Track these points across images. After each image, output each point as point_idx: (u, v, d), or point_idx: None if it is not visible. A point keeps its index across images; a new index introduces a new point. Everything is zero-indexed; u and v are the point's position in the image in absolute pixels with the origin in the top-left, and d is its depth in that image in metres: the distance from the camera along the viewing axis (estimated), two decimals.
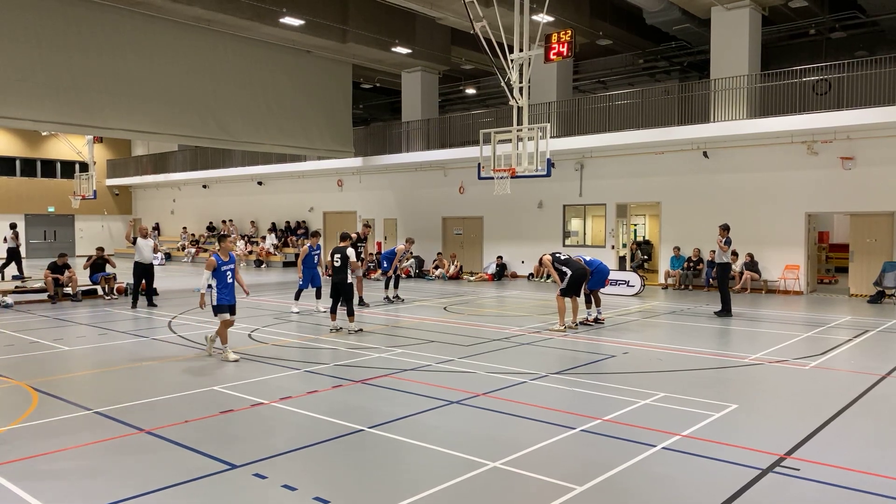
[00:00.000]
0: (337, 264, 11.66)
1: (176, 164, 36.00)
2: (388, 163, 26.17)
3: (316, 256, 14.83)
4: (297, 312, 14.50)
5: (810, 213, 18.62)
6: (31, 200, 37.00)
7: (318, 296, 14.91)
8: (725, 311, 14.06)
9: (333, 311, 11.99)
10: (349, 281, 11.68)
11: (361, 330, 12.04)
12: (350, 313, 11.78)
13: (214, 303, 9.65)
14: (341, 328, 11.92)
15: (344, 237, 12.17)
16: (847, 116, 16.60)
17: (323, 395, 7.74)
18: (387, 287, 16.88)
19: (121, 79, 17.92)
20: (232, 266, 9.79)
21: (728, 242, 14.06)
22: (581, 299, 12.62)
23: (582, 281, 12.23)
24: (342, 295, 11.72)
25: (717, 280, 14.47)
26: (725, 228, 14.16)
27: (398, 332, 12.11)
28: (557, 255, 12.43)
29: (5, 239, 27.01)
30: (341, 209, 29.94)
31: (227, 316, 9.62)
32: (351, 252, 11.74)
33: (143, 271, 15.74)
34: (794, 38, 23.30)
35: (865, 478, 5.19)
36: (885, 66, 16.48)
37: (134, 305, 15.56)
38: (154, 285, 16.26)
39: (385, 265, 17.05)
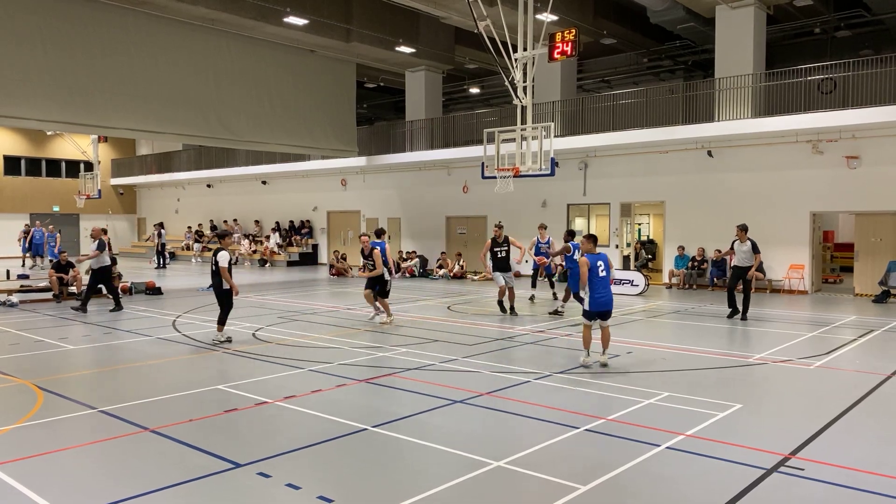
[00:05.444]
0: (214, 268, 10.67)
1: (180, 164, 36.05)
2: (392, 162, 26.18)
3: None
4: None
5: (815, 212, 18.56)
6: (35, 200, 37.09)
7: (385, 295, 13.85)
8: (739, 312, 13.60)
9: (221, 321, 10.83)
10: (224, 288, 10.58)
11: (230, 339, 10.85)
12: (219, 321, 10.78)
13: (588, 307, 8.40)
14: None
15: (223, 235, 11.31)
16: (852, 115, 16.54)
17: (326, 394, 7.75)
18: (533, 285, 16.85)
19: (125, 78, 17.93)
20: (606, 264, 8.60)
21: (755, 247, 13.24)
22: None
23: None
24: (223, 305, 10.72)
25: (743, 283, 13.67)
26: (743, 229, 13.44)
27: (401, 332, 12.10)
28: (497, 250, 13.96)
29: (149, 237, 27.65)
30: (345, 208, 29.98)
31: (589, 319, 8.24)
32: (222, 257, 10.53)
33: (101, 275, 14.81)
34: (798, 37, 23.23)
35: (870, 478, 5.17)
36: (890, 64, 16.41)
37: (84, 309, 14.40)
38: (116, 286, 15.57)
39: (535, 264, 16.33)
